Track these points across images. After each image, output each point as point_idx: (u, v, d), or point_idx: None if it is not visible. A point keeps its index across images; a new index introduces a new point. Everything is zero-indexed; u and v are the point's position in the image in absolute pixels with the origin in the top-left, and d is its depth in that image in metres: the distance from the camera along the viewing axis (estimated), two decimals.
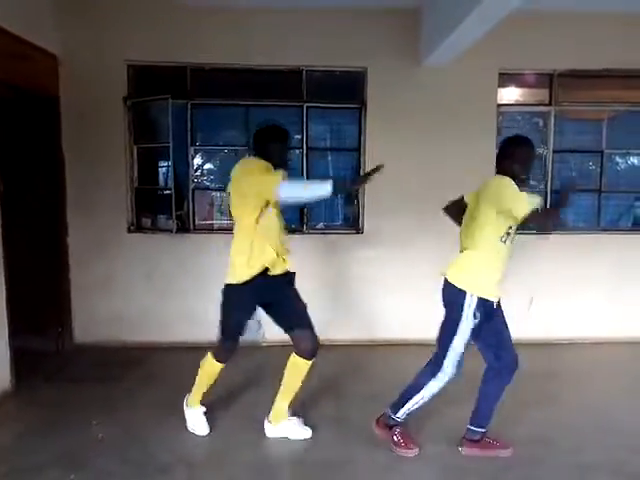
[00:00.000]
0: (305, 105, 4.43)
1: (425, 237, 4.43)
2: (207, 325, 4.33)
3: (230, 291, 2.70)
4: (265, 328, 4.36)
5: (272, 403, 2.83)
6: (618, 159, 4.93)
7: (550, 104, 4.57)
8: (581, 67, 4.46)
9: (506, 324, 2.62)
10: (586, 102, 4.67)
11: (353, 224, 4.64)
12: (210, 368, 2.81)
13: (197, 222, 4.62)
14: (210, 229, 4.77)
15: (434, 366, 2.54)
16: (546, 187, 4.68)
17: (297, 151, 4.46)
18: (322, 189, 2.42)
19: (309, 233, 4.58)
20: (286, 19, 4.25)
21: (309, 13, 4.25)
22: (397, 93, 4.36)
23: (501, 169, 2.56)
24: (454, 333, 2.47)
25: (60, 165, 4.22)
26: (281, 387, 2.79)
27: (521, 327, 4.44)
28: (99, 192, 4.35)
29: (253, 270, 2.61)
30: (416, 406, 2.60)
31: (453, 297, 2.51)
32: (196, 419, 2.89)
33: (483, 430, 2.64)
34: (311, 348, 2.69)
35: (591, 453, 2.70)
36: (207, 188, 4.92)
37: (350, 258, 4.53)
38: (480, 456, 2.63)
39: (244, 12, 4.20)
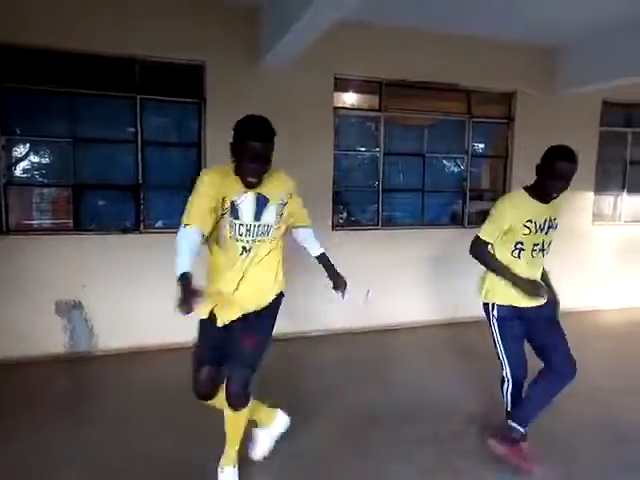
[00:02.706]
0: (139, 97, 4.16)
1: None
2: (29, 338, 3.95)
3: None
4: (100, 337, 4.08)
5: None
6: (435, 162, 5.53)
7: (380, 110, 4.95)
8: (405, 78, 4.92)
9: (556, 332, 2.56)
10: (410, 110, 5.16)
11: None
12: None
13: (13, 223, 4.06)
14: (29, 230, 4.22)
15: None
16: (378, 187, 5.07)
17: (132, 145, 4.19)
18: (177, 268, 1.91)
19: (147, 232, 4.33)
20: (119, 3, 3.95)
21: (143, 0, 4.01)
22: (237, 91, 4.32)
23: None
24: (495, 342, 2.59)
25: None
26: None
27: (359, 317, 4.93)
28: None
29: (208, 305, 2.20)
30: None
31: (484, 311, 2.62)
32: None
33: (521, 430, 2.56)
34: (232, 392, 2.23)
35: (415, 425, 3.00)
36: (25, 184, 4.32)
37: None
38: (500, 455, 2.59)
39: None
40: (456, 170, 5.59)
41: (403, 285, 5.10)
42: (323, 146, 4.70)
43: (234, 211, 2.15)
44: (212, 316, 2.24)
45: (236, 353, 2.20)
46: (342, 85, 4.82)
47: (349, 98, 4.97)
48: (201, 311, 2.20)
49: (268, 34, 3.95)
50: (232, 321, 2.23)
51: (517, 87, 5.30)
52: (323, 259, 2.56)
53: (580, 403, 3.20)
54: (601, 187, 5.92)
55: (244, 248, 2.21)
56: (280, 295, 2.42)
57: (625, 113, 5.93)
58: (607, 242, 5.92)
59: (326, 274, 2.53)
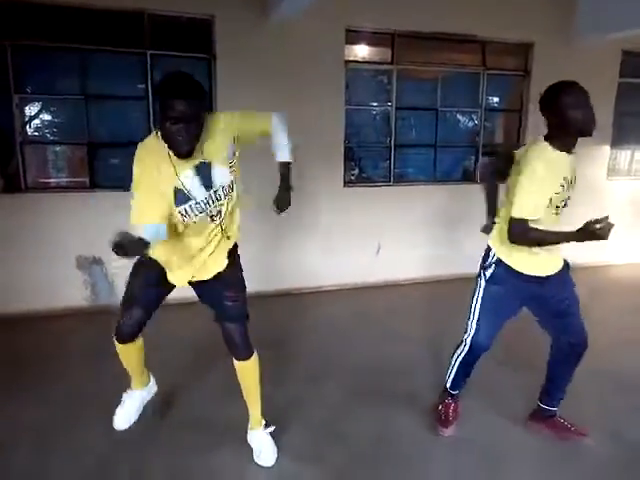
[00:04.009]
0: (149, 53, 4.13)
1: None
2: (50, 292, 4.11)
3: None
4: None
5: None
6: (448, 117, 5.45)
7: (392, 63, 4.86)
8: (418, 29, 4.79)
9: (573, 299, 2.31)
10: (423, 63, 5.04)
11: None
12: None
13: (30, 180, 4.15)
14: (46, 188, 4.31)
15: None
16: (390, 143, 5.04)
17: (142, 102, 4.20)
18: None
19: None
20: None
21: None
22: (247, 45, 4.26)
23: (548, 131, 2.12)
24: (473, 299, 2.32)
25: None
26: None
27: (371, 271, 5.02)
28: None
29: None
30: None
31: (482, 258, 2.31)
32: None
33: (553, 410, 2.49)
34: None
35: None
36: (40, 142, 4.38)
37: None
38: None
39: None
40: (470, 125, 5.52)
41: (414, 241, 5.15)
42: (334, 101, 4.65)
43: (179, 197, 1.91)
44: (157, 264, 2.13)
45: (225, 310, 2.17)
46: (353, 37, 4.71)
47: (360, 51, 4.88)
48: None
49: None
50: (195, 282, 2.18)
51: (534, 37, 5.14)
52: (283, 168, 2.25)
53: (585, 354, 3.27)
54: (618, 141, 5.80)
55: (212, 218, 2.05)
56: (235, 247, 2.25)
57: None
58: (622, 196, 5.86)
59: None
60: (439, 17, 4.77)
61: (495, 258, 2.23)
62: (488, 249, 2.29)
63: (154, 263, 2.13)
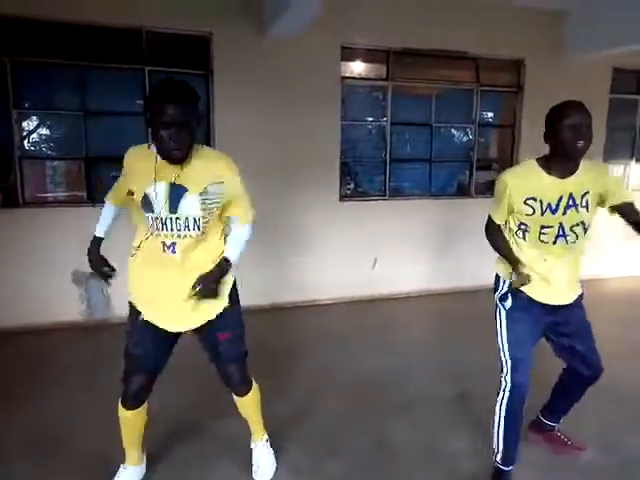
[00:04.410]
0: (147, 69, 4.18)
1: (282, 217, 4.59)
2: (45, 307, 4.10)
3: None
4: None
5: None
6: (443, 132, 5.52)
7: (387, 79, 4.93)
8: (413, 47, 4.88)
9: (586, 333, 2.22)
10: (417, 79, 5.13)
11: None
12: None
13: (28, 195, 4.16)
14: (44, 203, 4.33)
15: None
16: (385, 158, 5.09)
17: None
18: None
19: None
20: None
21: None
22: (244, 62, 4.33)
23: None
24: (498, 334, 2.19)
25: None
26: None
27: (367, 285, 5.04)
28: None
29: None
30: None
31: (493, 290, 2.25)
32: None
33: (553, 425, 2.49)
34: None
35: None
36: (38, 157, 4.40)
37: None
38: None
39: None
40: (464, 140, 5.59)
41: (410, 255, 5.18)
42: (330, 116, 4.71)
43: (145, 203, 1.89)
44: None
45: (220, 354, 2.08)
46: (349, 54, 4.80)
47: (356, 67, 4.95)
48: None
49: (274, 4, 3.93)
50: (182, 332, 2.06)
51: (526, 54, 5.24)
52: (224, 262, 2.01)
53: None
54: (610, 156, 5.88)
55: (164, 244, 1.93)
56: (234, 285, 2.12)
57: (636, 80, 5.85)
58: None
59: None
60: (433, 35, 4.86)
61: (508, 285, 2.16)
62: (497, 278, 2.22)
63: (136, 313, 2.04)
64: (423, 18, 4.76)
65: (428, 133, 5.25)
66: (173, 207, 1.88)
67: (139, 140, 4.19)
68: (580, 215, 2.02)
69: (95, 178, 4.30)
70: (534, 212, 2.00)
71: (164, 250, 1.95)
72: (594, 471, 2.35)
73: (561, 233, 2.03)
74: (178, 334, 2.07)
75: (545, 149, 2.04)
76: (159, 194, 1.87)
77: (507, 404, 2.12)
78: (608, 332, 4.17)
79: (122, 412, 2.07)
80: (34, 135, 4.37)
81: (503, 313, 2.16)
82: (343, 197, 4.98)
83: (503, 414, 2.14)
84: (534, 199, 1.98)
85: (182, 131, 1.76)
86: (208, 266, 1.99)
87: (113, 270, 2.17)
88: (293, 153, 4.61)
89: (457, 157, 5.55)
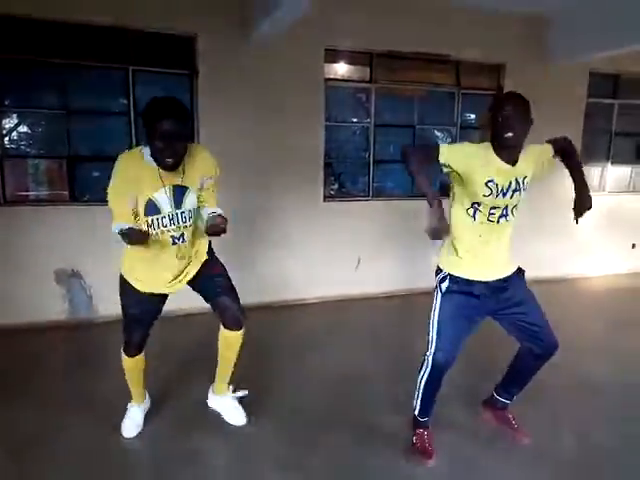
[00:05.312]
0: (131, 68, 4.18)
1: (266, 217, 4.61)
2: (27, 306, 4.07)
3: None
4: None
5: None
6: (425, 134, 5.59)
7: (370, 81, 4.99)
8: (396, 49, 4.94)
9: (533, 307, 2.29)
10: (400, 81, 5.20)
11: None
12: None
13: (9, 194, 4.12)
14: (25, 201, 4.28)
15: None
16: (369, 158, 5.15)
17: (124, 117, 4.24)
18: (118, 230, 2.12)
19: None
20: None
21: None
22: (228, 62, 4.34)
23: None
24: (431, 313, 2.32)
25: None
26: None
27: (351, 285, 5.08)
28: None
29: None
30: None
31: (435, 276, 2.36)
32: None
33: (505, 402, 2.57)
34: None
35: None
36: (20, 155, 4.34)
37: None
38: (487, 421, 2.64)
39: None
40: (446, 141, 5.66)
41: (393, 254, 5.24)
42: (314, 117, 4.75)
43: (150, 207, 2.17)
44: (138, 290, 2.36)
45: (216, 287, 2.44)
46: (333, 56, 4.84)
47: (340, 69, 4.99)
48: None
49: (259, 4, 3.95)
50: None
51: (506, 58, 5.35)
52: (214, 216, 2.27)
53: (554, 360, 3.37)
54: (587, 158, 6.02)
55: (173, 237, 2.27)
56: (210, 250, 2.52)
57: (612, 84, 6.00)
58: (592, 212, 6.02)
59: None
60: (415, 38, 4.93)
61: (445, 271, 2.28)
62: (438, 265, 2.35)
63: (134, 289, 2.35)
64: (406, 21, 4.82)
65: (411, 134, 5.33)
66: (178, 204, 2.22)
67: (122, 139, 4.29)
68: (520, 197, 2.17)
69: (77, 177, 4.28)
70: (491, 193, 2.11)
71: (174, 242, 2.28)
72: (566, 462, 2.42)
73: (504, 213, 2.17)
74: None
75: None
76: (166, 196, 2.18)
77: (427, 379, 2.30)
78: (588, 328, 4.31)
79: (126, 361, 2.48)
80: (15, 133, 4.33)
81: (439, 295, 2.29)
82: (327, 197, 5.03)
83: (422, 386, 2.33)
84: (492, 181, 2.09)
85: (177, 143, 2.05)
86: (198, 246, 2.42)
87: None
88: (277, 153, 4.64)
89: None
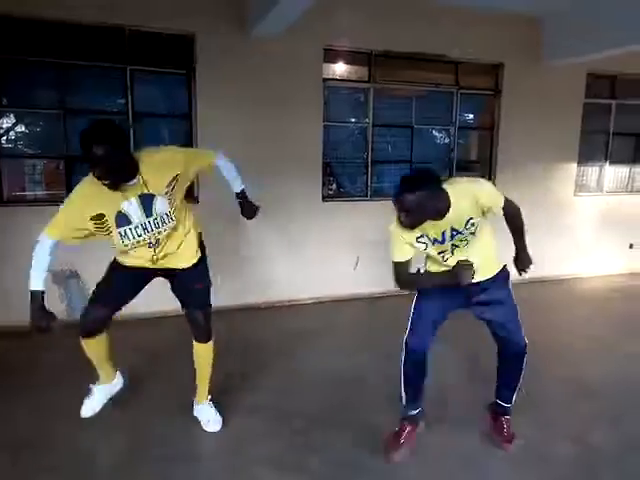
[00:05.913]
0: (129, 68, 4.16)
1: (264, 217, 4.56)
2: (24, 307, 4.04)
3: None
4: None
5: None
6: (424, 134, 5.60)
7: (369, 81, 4.99)
8: (394, 49, 4.94)
9: (507, 307, 2.36)
10: (399, 81, 5.19)
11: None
12: None
13: (6, 193, 4.10)
14: (22, 201, 4.27)
15: None
16: (367, 159, 5.15)
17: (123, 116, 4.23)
18: (30, 283, 2.36)
19: None
20: None
21: None
22: (227, 62, 4.34)
23: None
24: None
25: None
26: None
27: (349, 285, 5.08)
28: None
29: None
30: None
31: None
32: None
33: (505, 405, 2.56)
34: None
35: None
36: (17, 155, 4.33)
37: None
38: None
39: None
40: (444, 141, 5.68)
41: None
42: (312, 117, 4.75)
43: (121, 220, 2.21)
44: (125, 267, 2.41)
45: (193, 298, 2.49)
46: (331, 56, 4.84)
47: (338, 69, 5.00)
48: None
49: (258, 3, 3.95)
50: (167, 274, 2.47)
51: (504, 58, 5.35)
52: (241, 195, 2.68)
53: (551, 362, 3.38)
54: (584, 158, 6.04)
55: (150, 244, 2.31)
56: (202, 245, 2.56)
57: (610, 84, 6.01)
58: (590, 212, 6.08)
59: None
60: (414, 38, 4.93)
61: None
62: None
63: (121, 266, 2.41)
64: (405, 21, 4.83)
65: (409, 134, 5.32)
66: (148, 212, 2.23)
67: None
68: (468, 233, 2.21)
69: (75, 176, 4.26)
70: (427, 247, 2.25)
71: (149, 247, 2.31)
72: (563, 462, 2.43)
73: (443, 250, 2.27)
74: (146, 281, 2.50)
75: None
76: (133, 206, 2.20)
77: (404, 364, 2.41)
78: (586, 328, 4.31)
79: (87, 344, 2.45)
80: (12, 133, 4.32)
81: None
82: (326, 197, 5.02)
83: (402, 372, 2.42)
84: (423, 236, 2.23)
85: (107, 167, 2.05)
86: (188, 240, 2.44)
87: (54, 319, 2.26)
88: (275, 153, 4.63)
89: (437, 158, 5.64)
